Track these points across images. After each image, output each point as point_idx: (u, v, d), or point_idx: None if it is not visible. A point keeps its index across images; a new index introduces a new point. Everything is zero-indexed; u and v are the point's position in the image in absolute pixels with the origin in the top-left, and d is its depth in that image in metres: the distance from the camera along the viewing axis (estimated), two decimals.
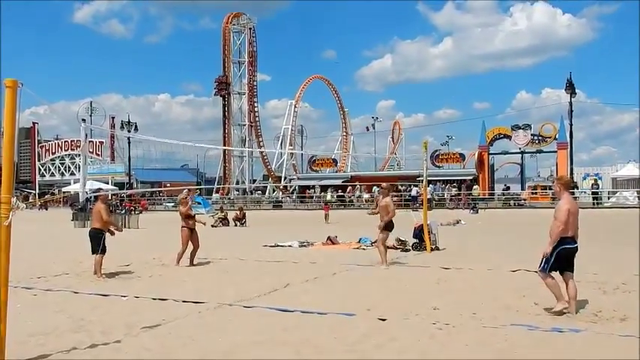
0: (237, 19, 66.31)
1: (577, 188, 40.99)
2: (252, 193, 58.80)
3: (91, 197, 29.23)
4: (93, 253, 10.56)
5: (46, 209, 52.10)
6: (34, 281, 9.97)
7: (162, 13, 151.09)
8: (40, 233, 21.10)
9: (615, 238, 15.13)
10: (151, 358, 5.37)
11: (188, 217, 11.96)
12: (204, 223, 12.21)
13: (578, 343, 5.58)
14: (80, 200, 28.91)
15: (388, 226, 11.49)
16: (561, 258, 6.73)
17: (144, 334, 6.21)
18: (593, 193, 40.19)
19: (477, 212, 33.75)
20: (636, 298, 7.56)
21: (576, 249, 6.86)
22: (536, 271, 7.15)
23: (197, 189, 46.45)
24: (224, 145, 62.97)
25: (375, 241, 13.45)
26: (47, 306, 7.92)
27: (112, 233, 10.76)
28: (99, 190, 19.89)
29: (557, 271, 6.85)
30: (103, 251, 10.53)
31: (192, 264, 11.85)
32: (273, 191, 59.40)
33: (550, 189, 42.99)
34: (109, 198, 14.27)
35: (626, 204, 35.79)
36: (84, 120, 52.45)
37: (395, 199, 40.60)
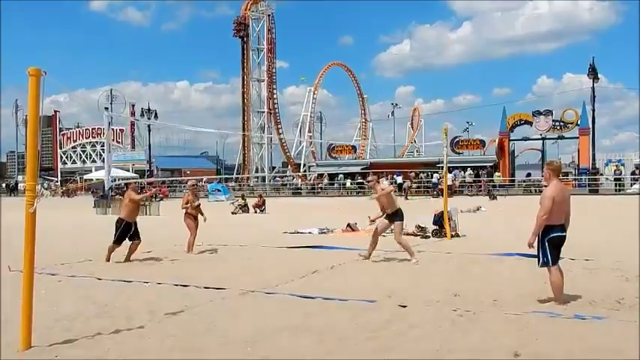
0: (256, 6, 66.14)
1: (600, 174, 40.55)
2: (274, 179, 59.04)
3: (112, 186, 29.59)
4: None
5: (69, 196, 52.71)
6: (58, 268, 10.10)
7: (179, 0, 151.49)
8: (63, 220, 21.34)
9: (638, 225, 14.91)
10: (175, 343, 5.43)
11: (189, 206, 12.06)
12: (205, 219, 12.16)
13: (601, 331, 5.54)
14: (106, 188, 29.19)
15: (398, 216, 10.39)
16: (553, 246, 6.51)
17: (167, 320, 6.28)
18: (615, 179, 39.72)
19: (495, 199, 33.40)
20: None
21: (565, 238, 6.61)
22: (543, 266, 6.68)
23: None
24: (243, 131, 63.16)
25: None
26: (72, 292, 8.04)
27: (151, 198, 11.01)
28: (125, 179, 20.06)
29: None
30: (118, 241, 10.80)
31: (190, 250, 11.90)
32: (293, 178, 59.58)
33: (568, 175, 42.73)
34: (138, 184, 14.42)
35: None
36: (106, 108, 52.75)
37: (415, 185, 40.96)
